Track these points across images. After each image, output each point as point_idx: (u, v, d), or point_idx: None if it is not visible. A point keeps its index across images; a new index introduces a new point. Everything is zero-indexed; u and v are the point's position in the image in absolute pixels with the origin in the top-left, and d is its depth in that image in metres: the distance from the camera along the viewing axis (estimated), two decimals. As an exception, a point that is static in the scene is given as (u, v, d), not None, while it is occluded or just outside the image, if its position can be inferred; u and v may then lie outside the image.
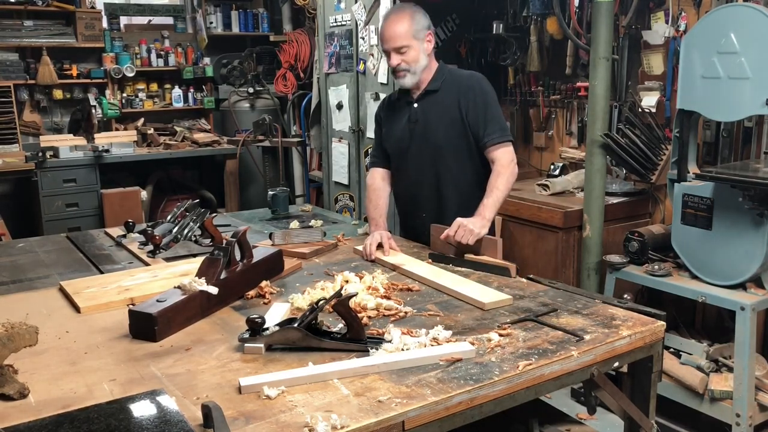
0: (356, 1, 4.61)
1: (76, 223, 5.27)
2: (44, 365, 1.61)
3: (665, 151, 3.59)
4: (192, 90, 6.67)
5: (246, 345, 1.65)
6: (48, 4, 5.79)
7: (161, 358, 1.64)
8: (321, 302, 1.73)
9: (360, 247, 2.54)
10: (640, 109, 3.79)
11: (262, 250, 2.27)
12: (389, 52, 2.58)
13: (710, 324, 3.49)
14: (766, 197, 2.70)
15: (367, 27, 4.53)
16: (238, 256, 2.10)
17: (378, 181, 2.80)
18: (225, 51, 6.76)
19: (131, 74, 6.25)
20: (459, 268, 2.31)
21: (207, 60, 6.71)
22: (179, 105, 6.62)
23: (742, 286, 2.91)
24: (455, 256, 2.40)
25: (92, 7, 6.09)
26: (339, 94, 4.97)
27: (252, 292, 2.08)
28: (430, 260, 2.41)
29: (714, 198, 2.93)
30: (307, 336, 1.65)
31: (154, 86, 6.55)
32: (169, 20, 6.76)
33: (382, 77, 4.42)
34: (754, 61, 2.75)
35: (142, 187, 5.72)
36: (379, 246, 2.50)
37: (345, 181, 5.05)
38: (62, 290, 2.16)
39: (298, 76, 6.20)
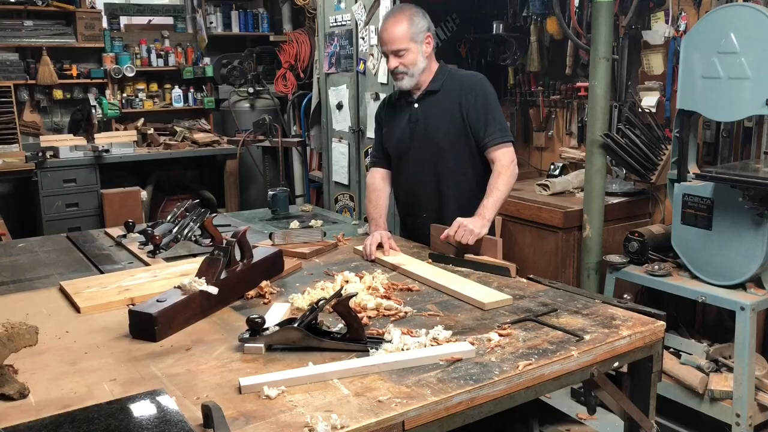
0: (356, 1, 4.61)
1: (76, 223, 5.27)
2: (44, 365, 1.61)
3: (665, 151, 3.59)
4: (192, 90, 6.68)
5: (246, 345, 1.65)
6: (48, 4, 5.79)
7: (161, 358, 1.64)
8: (321, 302, 1.73)
9: (360, 247, 2.54)
10: (640, 109, 3.79)
11: (262, 250, 2.27)
12: (388, 55, 2.58)
13: (710, 324, 3.49)
14: (766, 197, 2.70)
15: (367, 27, 4.53)
16: (238, 256, 2.10)
17: (378, 181, 2.80)
18: (225, 51, 6.76)
19: (131, 74, 6.25)
20: (459, 268, 2.31)
21: (207, 60, 6.71)
22: (179, 105, 6.62)
23: (742, 286, 2.91)
24: (455, 256, 2.40)
25: (92, 7, 6.09)
26: (339, 94, 4.97)
27: (252, 292, 2.08)
28: (430, 260, 2.41)
29: (714, 198, 2.93)
30: (307, 336, 1.65)
31: (154, 86, 6.55)
32: (169, 20, 6.77)
33: (382, 77, 4.42)
34: (754, 61, 2.75)
35: (142, 187, 5.72)
36: (379, 246, 2.50)
37: (345, 181, 5.05)
38: (62, 290, 2.15)
39: (298, 76, 6.20)
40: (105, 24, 6.24)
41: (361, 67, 4.68)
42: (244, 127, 6.24)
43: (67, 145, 5.49)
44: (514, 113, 4.74)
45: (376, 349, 1.63)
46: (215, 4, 6.79)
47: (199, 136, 6.24)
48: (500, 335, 1.71)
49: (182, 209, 2.74)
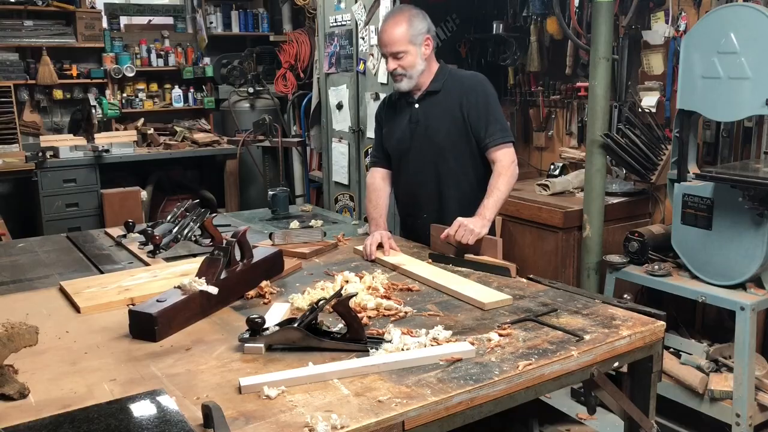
0: (356, 1, 4.61)
1: (76, 223, 5.27)
2: (44, 365, 1.61)
3: (665, 151, 3.59)
4: (192, 90, 6.68)
5: (246, 345, 1.65)
6: (48, 4, 5.79)
7: (161, 358, 1.64)
8: (321, 302, 1.73)
9: (360, 247, 2.54)
10: (640, 109, 3.79)
11: (262, 250, 2.27)
12: (387, 56, 2.58)
13: (710, 324, 3.49)
14: (766, 197, 2.70)
15: (367, 27, 4.53)
16: (238, 256, 2.10)
17: (378, 181, 2.80)
18: (225, 51, 6.76)
19: (131, 74, 6.25)
20: (459, 268, 2.31)
21: (207, 60, 6.71)
22: (179, 105, 6.62)
23: (742, 286, 2.91)
24: (455, 256, 2.40)
25: (92, 7, 6.09)
26: (339, 94, 4.97)
27: (252, 292, 2.08)
28: (430, 260, 2.41)
29: (714, 198, 2.93)
30: (307, 336, 1.65)
31: (154, 86, 6.55)
32: (169, 20, 6.77)
33: (382, 77, 4.42)
34: (754, 61, 2.75)
35: (142, 187, 5.72)
36: (379, 246, 2.50)
37: (345, 181, 5.05)
38: (62, 290, 2.15)
39: (298, 76, 6.20)
40: (105, 24, 6.24)
41: (361, 67, 4.68)
42: (244, 127, 6.24)
43: (67, 145, 5.50)
44: (514, 113, 4.74)
45: (376, 349, 1.63)
46: (215, 4, 6.79)
47: (199, 136, 6.24)
48: (500, 335, 1.71)
49: (182, 209, 2.74)
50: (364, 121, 4.72)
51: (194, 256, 2.56)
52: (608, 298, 2.03)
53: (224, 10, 6.81)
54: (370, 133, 4.45)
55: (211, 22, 6.71)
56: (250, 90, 6.45)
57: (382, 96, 3.98)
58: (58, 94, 6.02)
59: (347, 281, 2.13)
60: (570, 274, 3.67)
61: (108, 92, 6.21)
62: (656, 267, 3.16)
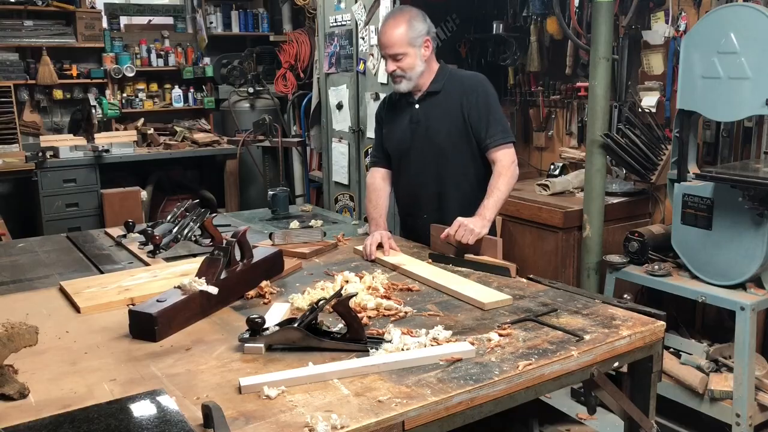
0: (356, 1, 4.61)
1: (76, 223, 5.27)
2: (44, 365, 1.61)
3: (665, 151, 3.59)
4: (192, 90, 6.68)
5: (246, 345, 1.65)
6: (48, 4, 5.79)
7: (161, 358, 1.64)
8: (321, 302, 1.73)
9: (360, 247, 2.54)
10: (640, 109, 3.79)
11: (262, 250, 2.27)
12: (386, 57, 2.58)
13: (710, 324, 3.49)
14: (766, 197, 2.70)
15: (367, 27, 4.53)
16: (238, 256, 2.10)
17: (378, 180, 2.80)
18: (225, 51, 6.76)
19: (131, 74, 6.25)
20: (459, 268, 2.31)
21: (207, 60, 6.71)
22: (179, 105, 6.62)
23: (742, 286, 2.91)
24: (455, 256, 2.40)
25: (92, 7, 6.09)
26: (339, 94, 4.97)
27: (252, 292, 2.08)
28: (430, 260, 2.41)
29: (714, 198, 2.93)
30: (307, 336, 1.65)
31: (154, 86, 6.55)
32: (169, 20, 6.77)
33: (382, 77, 4.42)
34: (754, 61, 2.75)
35: (142, 187, 5.72)
36: (379, 246, 2.50)
37: (345, 181, 5.05)
38: (62, 290, 2.15)
39: (298, 76, 6.20)
40: (105, 24, 6.24)
41: (361, 67, 4.68)
42: (244, 127, 6.24)
43: (67, 145, 5.50)
44: (514, 113, 4.74)
45: (376, 349, 1.63)
46: (215, 4, 6.79)
47: (199, 136, 6.24)
48: (500, 335, 1.71)
49: (182, 209, 2.74)
50: (364, 121, 4.72)
51: (194, 256, 2.56)
52: (608, 298, 2.03)
53: (224, 10, 6.81)
54: (370, 133, 4.45)
55: (211, 22, 6.71)
56: (250, 90, 6.45)
57: (382, 96, 3.98)
58: (58, 94, 6.02)
59: (347, 281, 2.13)
60: (570, 274, 3.67)
61: (108, 92, 6.21)
62: (656, 267, 3.16)
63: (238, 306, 2.00)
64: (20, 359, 1.53)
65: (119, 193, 5.47)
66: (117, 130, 6.13)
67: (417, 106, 2.66)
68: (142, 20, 6.71)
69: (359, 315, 1.76)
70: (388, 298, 1.99)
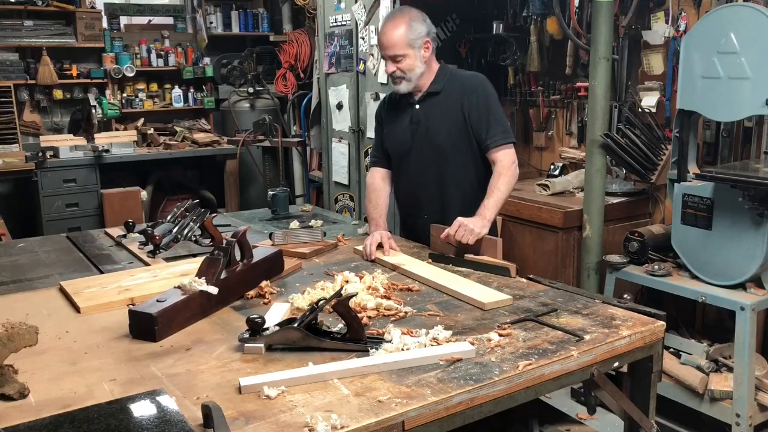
0: (356, 1, 4.61)
1: (76, 223, 5.27)
2: (44, 365, 1.61)
3: (665, 151, 3.59)
4: (192, 90, 6.68)
5: (246, 345, 1.65)
6: (48, 4, 5.79)
7: (161, 358, 1.64)
8: (321, 302, 1.73)
9: (360, 247, 2.54)
10: (640, 109, 3.79)
11: (262, 250, 2.27)
12: (386, 59, 2.58)
13: (710, 324, 3.49)
14: (766, 197, 2.70)
15: (367, 27, 4.53)
16: (238, 256, 2.10)
17: (378, 180, 2.80)
18: (225, 51, 6.76)
19: (131, 74, 6.25)
20: (459, 268, 2.31)
21: (207, 60, 6.71)
22: (179, 105, 6.62)
23: (742, 286, 2.91)
24: (455, 256, 2.40)
25: (92, 7, 6.09)
26: (339, 94, 4.97)
27: (252, 292, 2.08)
28: (430, 260, 2.41)
29: (714, 198, 2.93)
30: (307, 336, 1.65)
31: (154, 86, 6.55)
32: (169, 20, 6.77)
33: (382, 77, 4.42)
34: (754, 61, 2.75)
35: (142, 187, 5.72)
36: (379, 246, 2.50)
37: (345, 181, 5.05)
38: (62, 290, 2.15)
39: (298, 76, 6.20)
40: (105, 24, 6.24)
41: (361, 67, 4.68)
42: (244, 127, 6.24)
43: (67, 145, 5.50)
44: (514, 113, 4.74)
45: (376, 349, 1.63)
46: (215, 4, 6.79)
47: (199, 136, 6.24)
48: (500, 335, 1.71)
49: (182, 209, 2.74)
50: (364, 121, 4.72)
51: (194, 256, 2.56)
52: (608, 298, 2.03)
53: (224, 10, 6.81)
54: (370, 133, 4.45)
55: (211, 22, 6.71)
56: (250, 90, 6.45)
57: (382, 96, 3.98)
58: (58, 94, 6.02)
59: (347, 281, 2.13)
60: (570, 274, 3.67)
61: (108, 92, 6.21)
62: (656, 267, 3.16)
63: (238, 306, 2.01)
64: (20, 359, 1.53)
65: (119, 193, 5.47)
66: (117, 130, 6.13)
67: (417, 106, 2.66)
68: (142, 20, 6.71)
69: (359, 315, 1.76)
70: (388, 298, 1.99)
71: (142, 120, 6.36)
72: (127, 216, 3.68)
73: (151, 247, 2.54)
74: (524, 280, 2.19)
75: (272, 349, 1.66)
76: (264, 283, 2.11)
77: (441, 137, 2.61)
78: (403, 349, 1.61)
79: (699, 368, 3.02)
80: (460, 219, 2.39)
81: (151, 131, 6.20)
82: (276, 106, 6.58)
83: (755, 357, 2.93)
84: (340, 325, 1.72)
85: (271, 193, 3.45)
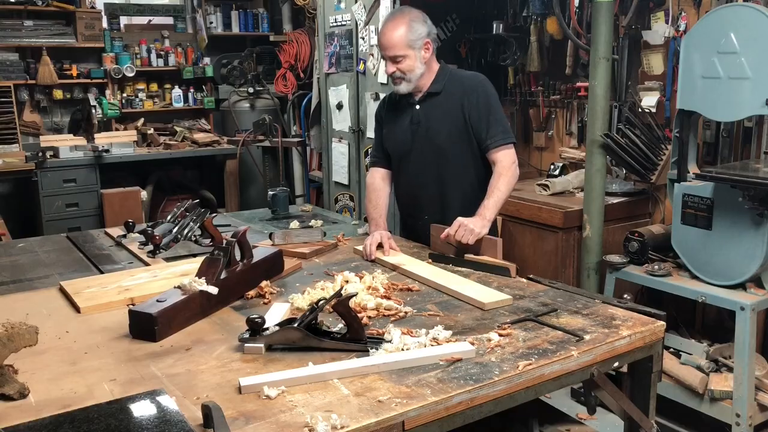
0: (356, 1, 4.61)
1: (76, 223, 5.27)
2: (44, 365, 1.61)
3: (665, 151, 3.59)
4: (192, 90, 6.68)
5: (246, 345, 1.65)
6: (48, 4, 5.79)
7: (161, 358, 1.64)
8: (321, 302, 1.73)
9: (360, 247, 2.54)
10: (640, 109, 3.79)
11: (262, 250, 2.27)
12: (386, 59, 2.58)
13: (710, 324, 3.49)
14: (766, 197, 2.70)
15: (367, 27, 4.53)
16: (238, 256, 2.10)
17: (378, 181, 2.80)
18: (225, 51, 6.76)
19: (131, 74, 6.25)
20: (459, 268, 2.31)
21: (207, 60, 6.71)
22: (179, 105, 6.62)
23: (742, 286, 2.91)
24: (455, 256, 2.40)
25: (92, 7, 6.09)
26: (339, 94, 4.97)
27: (252, 292, 2.08)
28: (430, 260, 2.41)
29: (714, 198, 2.93)
30: (307, 336, 1.65)
31: (154, 86, 6.55)
32: (169, 20, 6.77)
33: (382, 77, 4.42)
34: (754, 61, 2.75)
35: (142, 187, 5.72)
36: (379, 246, 2.50)
37: (345, 181, 5.05)
38: (62, 290, 2.15)
39: (298, 76, 6.20)
40: (105, 24, 6.24)
41: (361, 67, 4.68)
42: (244, 127, 6.24)
43: (67, 145, 5.50)
44: (514, 113, 4.74)
45: (376, 349, 1.63)
46: (215, 4, 6.79)
47: (199, 136, 6.24)
48: (500, 335, 1.71)
49: (182, 209, 2.74)
50: (364, 121, 4.72)
51: (194, 256, 2.56)
52: (608, 298, 2.03)
53: (224, 10, 6.81)
54: (370, 133, 4.45)
55: (211, 22, 6.71)
56: (250, 90, 6.45)
57: (382, 96, 3.98)
58: (58, 94, 6.02)
59: (347, 281, 2.13)
60: (570, 274, 3.67)
61: (108, 92, 6.21)
62: (656, 267, 3.16)
63: (238, 306, 2.01)
64: (20, 359, 1.53)
65: (119, 193, 5.47)
66: (117, 130, 6.13)
67: (417, 106, 2.65)
68: (142, 20, 6.71)
69: (359, 315, 1.76)
70: (388, 298, 1.99)
71: (142, 120, 6.36)
72: (127, 216, 3.68)
73: (151, 247, 2.54)
74: (524, 280, 2.19)
75: (272, 349, 1.66)
76: (264, 283, 2.11)
77: (441, 137, 2.61)
78: (403, 349, 1.61)
79: (699, 368, 3.02)
80: (460, 219, 2.39)
81: (151, 131, 6.21)
82: (276, 106, 6.58)
83: (755, 357, 2.93)
84: (340, 325, 1.72)
85: (271, 193, 3.45)
